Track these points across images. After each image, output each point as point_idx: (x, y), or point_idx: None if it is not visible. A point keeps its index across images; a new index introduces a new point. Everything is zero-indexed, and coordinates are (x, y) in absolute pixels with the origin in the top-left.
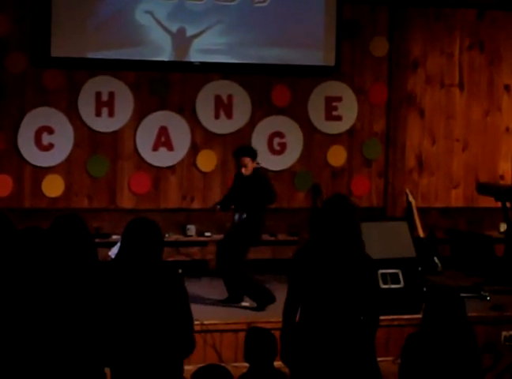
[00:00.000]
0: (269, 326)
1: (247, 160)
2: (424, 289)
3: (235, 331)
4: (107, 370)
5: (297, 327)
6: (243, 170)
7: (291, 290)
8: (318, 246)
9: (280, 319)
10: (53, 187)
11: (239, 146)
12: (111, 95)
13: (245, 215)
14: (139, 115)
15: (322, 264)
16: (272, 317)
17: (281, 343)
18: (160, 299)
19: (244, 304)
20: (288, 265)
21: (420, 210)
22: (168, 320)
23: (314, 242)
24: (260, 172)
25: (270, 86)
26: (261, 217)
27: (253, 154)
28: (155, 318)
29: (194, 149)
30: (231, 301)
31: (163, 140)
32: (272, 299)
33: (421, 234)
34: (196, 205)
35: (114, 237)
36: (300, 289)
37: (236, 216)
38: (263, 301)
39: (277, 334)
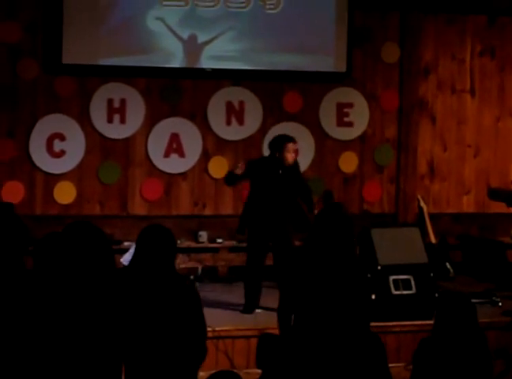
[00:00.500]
0: None
1: (295, 147)
2: (436, 295)
3: (247, 337)
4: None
5: (292, 330)
6: (288, 155)
7: (285, 295)
8: (311, 252)
9: None
10: (65, 194)
11: (282, 134)
12: (123, 101)
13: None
14: (150, 122)
15: (315, 270)
16: None
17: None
18: (174, 306)
19: (256, 310)
20: (282, 270)
21: (432, 216)
22: (181, 327)
23: (306, 248)
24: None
25: (282, 92)
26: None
27: (294, 140)
28: (168, 325)
29: (206, 156)
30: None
31: (174, 146)
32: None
33: (433, 240)
34: (208, 212)
35: (126, 243)
36: (294, 293)
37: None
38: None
39: None
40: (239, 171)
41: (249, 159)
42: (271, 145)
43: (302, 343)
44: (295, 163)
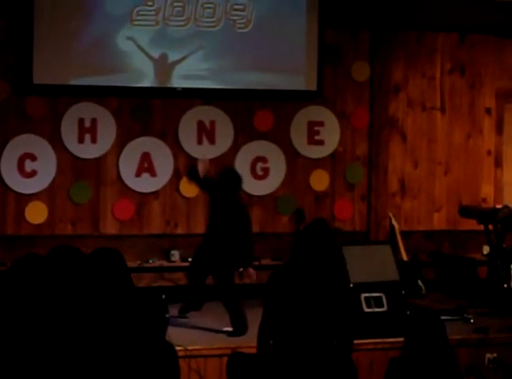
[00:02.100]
0: (253, 351)
1: None
2: (408, 312)
3: (220, 356)
4: None
5: (271, 349)
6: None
7: (266, 313)
8: (294, 269)
9: None
10: (36, 214)
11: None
12: (94, 121)
13: None
14: (122, 141)
15: (298, 286)
16: (256, 341)
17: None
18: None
19: (227, 329)
20: (264, 288)
21: (403, 233)
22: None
23: (289, 265)
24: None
25: (252, 111)
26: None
27: None
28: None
29: (177, 175)
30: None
31: (146, 166)
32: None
33: (404, 257)
34: (180, 231)
35: None
36: (274, 312)
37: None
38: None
39: None
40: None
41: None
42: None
43: (279, 362)
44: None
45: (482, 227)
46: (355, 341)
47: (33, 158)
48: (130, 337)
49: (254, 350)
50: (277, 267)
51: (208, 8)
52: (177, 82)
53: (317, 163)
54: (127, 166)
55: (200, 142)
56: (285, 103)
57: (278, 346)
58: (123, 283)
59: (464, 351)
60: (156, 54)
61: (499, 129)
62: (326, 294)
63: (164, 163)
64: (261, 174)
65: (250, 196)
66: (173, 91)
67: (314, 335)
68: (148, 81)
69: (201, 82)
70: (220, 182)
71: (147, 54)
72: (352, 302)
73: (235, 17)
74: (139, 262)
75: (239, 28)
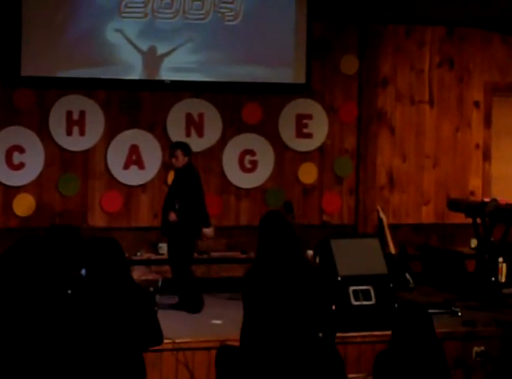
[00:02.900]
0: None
1: (178, 152)
2: (396, 305)
3: (208, 349)
4: None
5: (255, 347)
6: (173, 160)
7: (246, 312)
8: (264, 265)
9: None
10: (24, 206)
11: None
12: (82, 114)
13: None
14: (110, 134)
15: (270, 282)
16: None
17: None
18: (127, 313)
19: (215, 322)
20: (241, 286)
21: (391, 227)
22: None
23: (259, 262)
24: (191, 167)
25: (241, 104)
26: (195, 209)
27: (185, 148)
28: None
29: (165, 167)
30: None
31: (134, 158)
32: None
33: (393, 250)
34: None
35: None
36: (254, 309)
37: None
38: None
39: None
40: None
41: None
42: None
43: (261, 356)
44: (188, 168)
45: (470, 221)
46: (343, 334)
47: (21, 150)
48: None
49: None
50: (249, 266)
51: (197, 0)
52: (165, 75)
53: (305, 156)
54: (115, 159)
55: (188, 135)
56: (274, 95)
57: (262, 344)
58: (122, 273)
59: (452, 344)
60: (144, 46)
61: (487, 122)
62: (301, 287)
63: (152, 155)
64: (250, 167)
65: (238, 189)
66: (161, 83)
67: (296, 329)
68: (136, 74)
69: (189, 75)
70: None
71: (135, 47)
72: (328, 291)
73: (223, 10)
74: (127, 255)
75: (228, 20)
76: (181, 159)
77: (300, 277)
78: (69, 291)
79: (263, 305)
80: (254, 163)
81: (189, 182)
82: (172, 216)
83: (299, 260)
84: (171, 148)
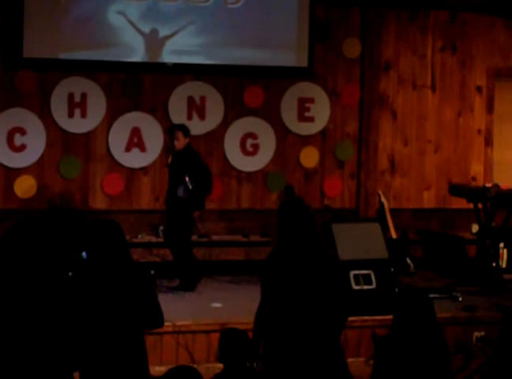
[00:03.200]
0: (241, 327)
1: (179, 134)
2: (396, 290)
3: (207, 332)
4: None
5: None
6: (175, 142)
7: (264, 299)
8: (285, 251)
9: (252, 320)
10: (25, 188)
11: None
12: (84, 96)
13: (182, 191)
14: (112, 116)
15: (291, 269)
16: (244, 318)
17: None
18: (127, 295)
19: (215, 305)
20: (261, 271)
21: (393, 211)
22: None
23: (281, 247)
24: (192, 150)
25: (243, 87)
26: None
27: (184, 129)
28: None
29: (167, 150)
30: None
31: (135, 141)
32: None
33: (393, 235)
34: None
35: None
36: (273, 295)
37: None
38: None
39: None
40: None
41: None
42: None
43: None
44: (188, 149)
45: (471, 206)
46: None
47: (23, 132)
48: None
49: (242, 327)
50: (271, 249)
51: None
52: (167, 57)
53: (307, 140)
54: (117, 141)
55: (190, 118)
56: (276, 79)
57: (277, 333)
58: (121, 255)
59: (453, 329)
60: (146, 29)
61: (490, 107)
62: (320, 272)
63: (154, 138)
64: (251, 151)
65: (239, 172)
66: (163, 66)
67: (315, 319)
68: (138, 56)
69: (191, 57)
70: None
71: (138, 29)
72: (342, 278)
73: None
74: (128, 237)
75: (230, 3)
76: (182, 141)
77: (321, 266)
78: (70, 274)
79: (282, 292)
80: (256, 147)
81: (197, 162)
82: (181, 191)
83: (319, 249)
84: (170, 130)
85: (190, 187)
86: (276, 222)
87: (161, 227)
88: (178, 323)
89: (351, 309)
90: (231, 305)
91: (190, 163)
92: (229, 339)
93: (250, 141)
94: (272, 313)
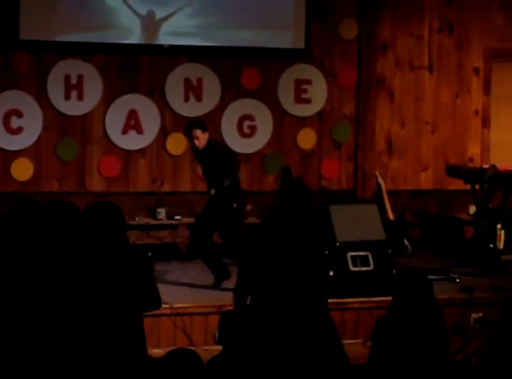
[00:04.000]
0: None
1: (198, 132)
2: (394, 271)
3: (205, 314)
4: None
5: (248, 310)
6: (196, 142)
7: (241, 273)
8: (270, 229)
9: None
10: (22, 171)
11: (190, 121)
12: (80, 78)
13: (213, 191)
14: (108, 98)
15: (274, 246)
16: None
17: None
18: (124, 277)
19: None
20: (240, 247)
21: (390, 192)
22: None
23: (265, 225)
24: (214, 142)
25: (240, 69)
26: (232, 187)
27: (201, 126)
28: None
29: (164, 132)
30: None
31: (132, 123)
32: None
33: (391, 216)
34: (166, 189)
35: None
36: (251, 270)
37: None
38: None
39: None
40: None
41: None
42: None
43: (259, 321)
44: (210, 143)
45: (469, 187)
46: (341, 300)
47: (19, 114)
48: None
49: None
50: (253, 226)
51: None
52: (164, 39)
53: (304, 122)
54: (114, 124)
55: (187, 100)
56: (273, 60)
57: (257, 304)
58: (119, 238)
59: (450, 311)
60: (143, 10)
61: (487, 88)
62: (303, 253)
63: (151, 120)
64: (248, 132)
65: (236, 154)
66: (160, 48)
67: (292, 294)
68: (135, 38)
69: (188, 39)
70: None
71: (134, 11)
72: (325, 259)
73: None
74: (125, 220)
75: None
76: (202, 138)
77: (301, 243)
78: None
79: (259, 266)
80: (253, 129)
81: (225, 158)
82: (227, 182)
83: (308, 230)
84: (187, 131)
85: (227, 184)
86: (275, 200)
87: (158, 210)
88: (175, 305)
89: (328, 292)
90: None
91: (220, 162)
92: (228, 321)
93: (247, 123)
94: (249, 286)
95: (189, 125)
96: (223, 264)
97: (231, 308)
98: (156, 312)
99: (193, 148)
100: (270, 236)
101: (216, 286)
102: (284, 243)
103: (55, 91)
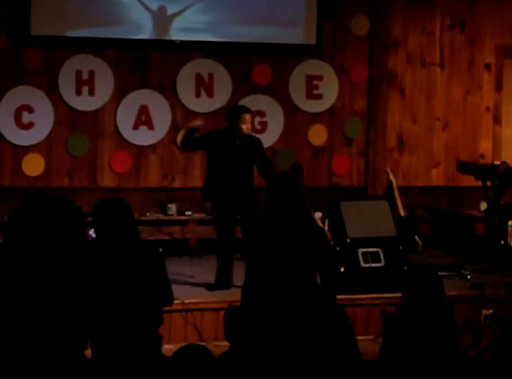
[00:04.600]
0: None
1: (248, 117)
2: (405, 268)
3: (216, 309)
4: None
5: (256, 306)
6: (244, 128)
7: (249, 271)
8: (268, 226)
9: None
10: (33, 166)
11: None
12: (92, 73)
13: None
14: (119, 94)
15: (274, 239)
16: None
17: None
18: (138, 274)
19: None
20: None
21: (401, 189)
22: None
23: (265, 222)
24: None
25: (251, 64)
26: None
27: (250, 110)
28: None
29: (175, 128)
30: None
31: (143, 118)
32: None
33: (402, 212)
34: (177, 184)
35: None
36: (257, 269)
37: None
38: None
39: None
40: (197, 123)
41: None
42: (227, 116)
43: (267, 316)
44: (255, 138)
45: (480, 183)
46: (352, 296)
47: (30, 110)
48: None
49: None
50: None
51: None
52: (175, 35)
53: (315, 118)
54: (125, 119)
55: (198, 95)
56: (284, 56)
57: (265, 302)
58: (130, 233)
59: (461, 307)
60: (154, 6)
61: (498, 85)
62: (305, 246)
63: (162, 116)
64: (259, 128)
65: None
66: (171, 43)
67: (298, 288)
68: (146, 34)
69: (199, 35)
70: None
71: (145, 6)
72: (332, 251)
73: None
74: (136, 215)
75: None
76: (251, 125)
77: (303, 236)
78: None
79: (265, 262)
80: (264, 124)
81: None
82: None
83: (305, 221)
84: (234, 114)
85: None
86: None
87: (169, 205)
88: (186, 301)
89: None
90: (240, 283)
91: (263, 153)
92: (233, 316)
93: (258, 119)
94: (257, 284)
95: (239, 108)
96: (229, 273)
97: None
98: (167, 307)
99: (235, 132)
100: (269, 233)
101: (210, 289)
102: (283, 238)
103: (66, 87)
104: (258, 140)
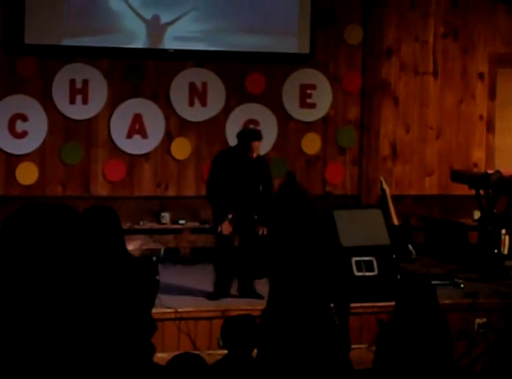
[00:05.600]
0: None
1: (258, 144)
2: (398, 276)
3: (210, 318)
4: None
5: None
6: (254, 153)
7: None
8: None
9: (255, 307)
10: (27, 175)
11: (250, 130)
12: (85, 82)
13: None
14: (113, 103)
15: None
16: (245, 305)
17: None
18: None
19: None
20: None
21: (394, 198)
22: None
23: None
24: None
25: (244, 73)
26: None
27: (261, 137)
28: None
29: (169, 137)
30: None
31: (137, 127)
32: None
33: (395, 221)
34: (170, 193)
35: None
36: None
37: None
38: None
39: None
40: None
41: (219, 153)
42: (239, 140)
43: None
44: (265, 160)
45: (473, 192)
46: None
47: (24, 118)
48: (121, 299)
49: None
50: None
51: None
52: (169, 44)
53: (308, 127)
54: (118, 128)
55: (191, 104)
56: (277, 65)
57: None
58: (116, 242)
59: (454, 316)
60: (148, 15)
61: (492, 94)
62: (319, 257)
63: (156, 124)
64: None
65: None
66: (165, 52)
67: (310, 299)
68: (140, 43)
69: (193, 44)
70: None
71: (139, 15)
72: (344, 263)
73: None
74: (129, 224)
75: None
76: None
77: (324, 258)
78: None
79: (287, 279)
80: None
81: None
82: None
83: (323, 239)
84: (256, 140)
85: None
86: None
87: (162, 214)
88: (180, 309)
89: (351, 294)
90: (233, 292)
91: (267, 172)
92: (232, 325)
93: (251, 128)
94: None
95: (255, 134)
96: (229, 283)
97: (235, 313)
98: (160, 316)
99: (246, 156)
100: (282, 249)
101: (211, 298)
102: (299, 249)
103: (60, 96)
104: (267, 162)
